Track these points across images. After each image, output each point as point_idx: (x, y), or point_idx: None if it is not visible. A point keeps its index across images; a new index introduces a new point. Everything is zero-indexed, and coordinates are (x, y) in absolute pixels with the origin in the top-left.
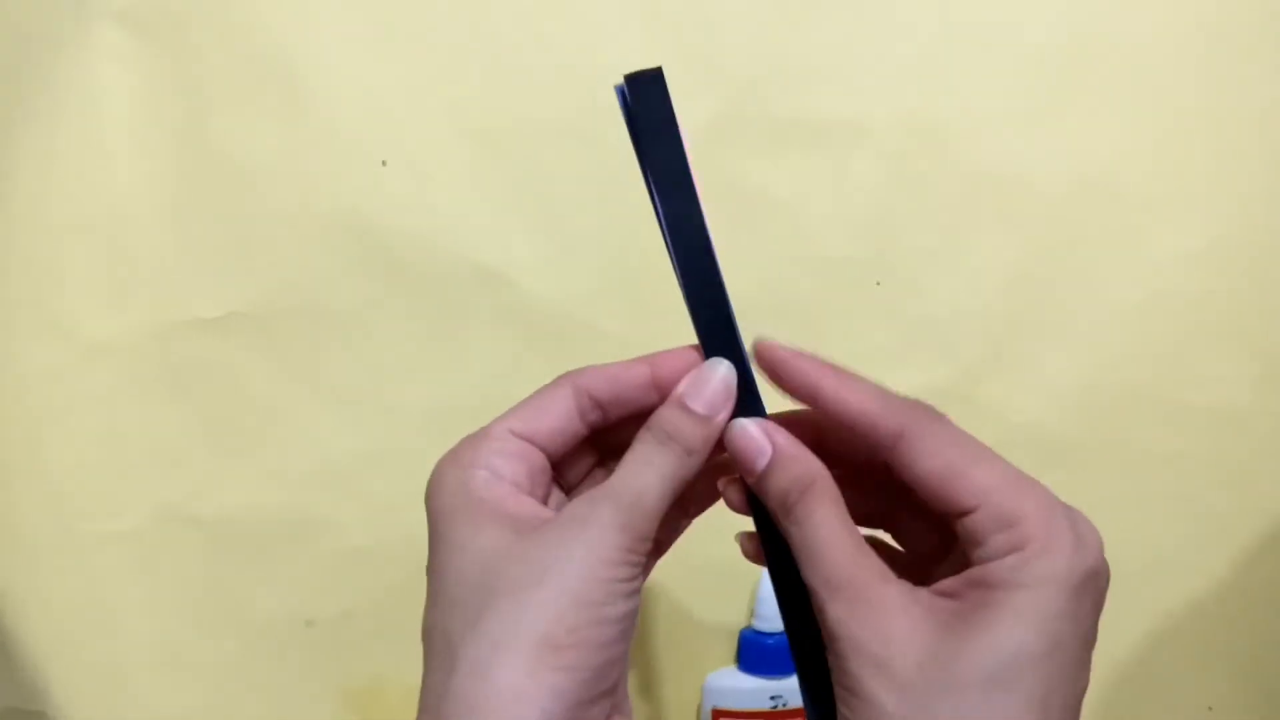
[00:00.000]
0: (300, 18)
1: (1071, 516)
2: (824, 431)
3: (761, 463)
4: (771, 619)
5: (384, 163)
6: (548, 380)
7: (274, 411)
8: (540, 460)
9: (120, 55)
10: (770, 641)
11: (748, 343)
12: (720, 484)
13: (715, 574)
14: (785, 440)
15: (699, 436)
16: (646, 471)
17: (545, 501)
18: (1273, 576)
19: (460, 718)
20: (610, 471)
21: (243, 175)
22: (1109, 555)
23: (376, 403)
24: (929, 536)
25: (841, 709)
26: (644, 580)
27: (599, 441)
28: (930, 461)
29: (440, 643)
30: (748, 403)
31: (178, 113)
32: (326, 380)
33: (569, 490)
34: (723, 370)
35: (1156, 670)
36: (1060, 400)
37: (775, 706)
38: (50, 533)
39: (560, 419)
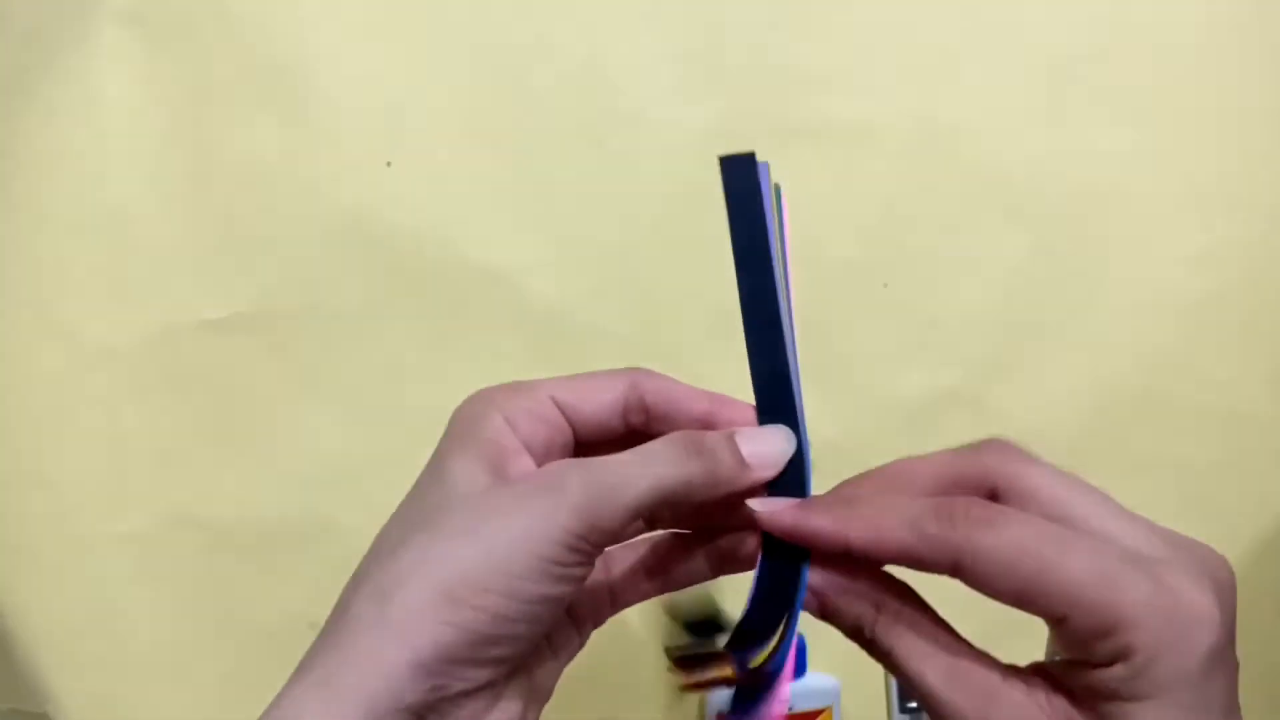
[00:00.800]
0: (304, 19)
1: (1187, 595)
2: None
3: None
4: None
5: (389, 164)
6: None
7: (277, 413)
8: (567, 436)
9: (123, 56)
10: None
11: None
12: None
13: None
14: (831, 578)
15: (727, 470)
16: (647, 464)
17: None
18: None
19: (344, 632)
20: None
21: (246, 176)
22: None
23: (380, 404)
24: None
25: None
26: (587, 570)
27: (628, 445)
28: (1001, 581)
29: (371, 551)
30: (796, 482)
31: (181, 114)
32: (330, 381)
33: None
34: (784, 439)
35: None
36: (1068, 402)
37: None
38: (53, 534)
39: (605, 407)
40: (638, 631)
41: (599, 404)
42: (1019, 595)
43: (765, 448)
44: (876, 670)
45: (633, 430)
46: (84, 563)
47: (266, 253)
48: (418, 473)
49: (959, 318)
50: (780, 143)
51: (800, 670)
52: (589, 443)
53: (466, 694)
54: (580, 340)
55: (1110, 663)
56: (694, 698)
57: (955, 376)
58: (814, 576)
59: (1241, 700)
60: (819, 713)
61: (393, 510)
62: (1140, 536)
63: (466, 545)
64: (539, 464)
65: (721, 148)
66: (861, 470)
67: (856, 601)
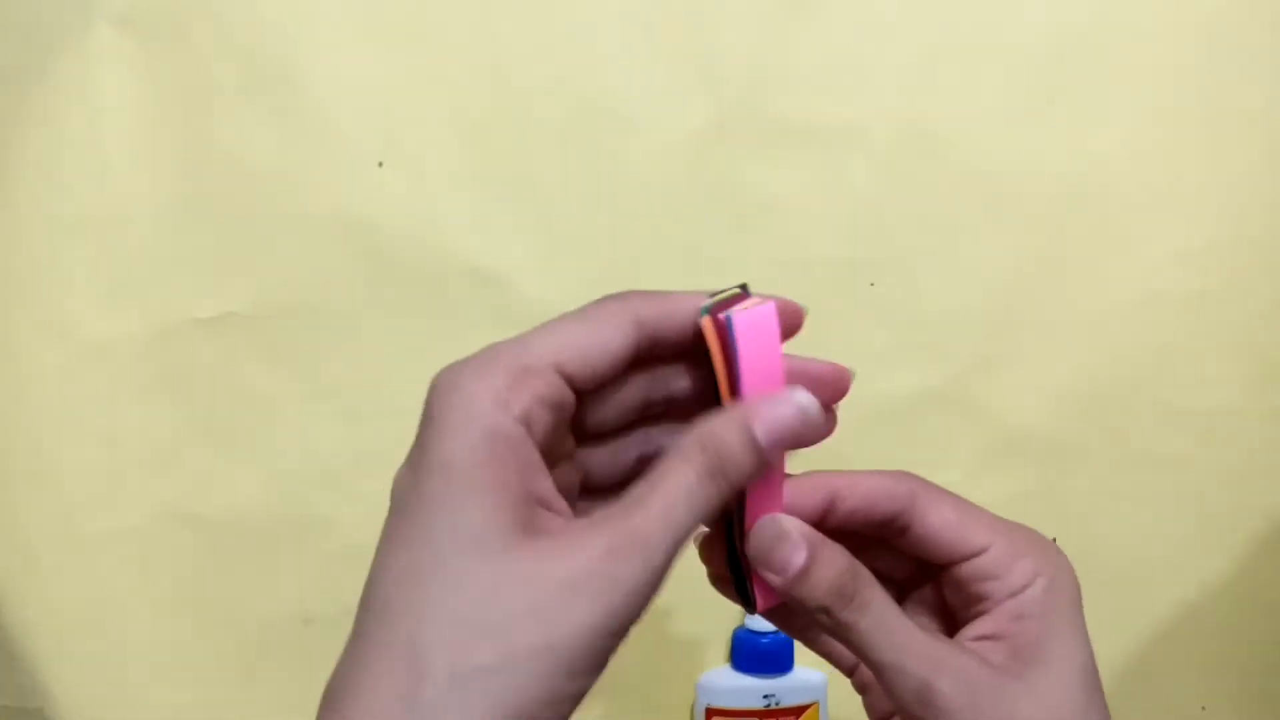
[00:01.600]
0: (298, 20)
1: (1054, 546)
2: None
3: (797, 563)
4: (764, 619)
5: (380, 164)
6: None
7: (272, 411)
8: (571, 402)
9: (120, 58)
10: (764, 641)
11: None
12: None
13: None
14: (817, 536)
15: (751, 472)
16: (682, 513)
17: (555, 464)
18: (1268, 577)
19: None
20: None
21: (241, 176)
22: (1105, 556)
23: (373, 402)
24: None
25: None
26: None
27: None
28: (943, 514)
29: (405, 650)
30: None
31: (176, 115)
32: (324, 380)
33: (582, 435)
34: (806, 403)
35: (1151, 670)
36: (1055, 400)
37: (768, 705)
38: (49, 531)
39: (619, 358)
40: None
41: (610, 363)
42: (955, 529)
43: (782, 429)
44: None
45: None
46: (79, 559)
47: (260, 253)
48: None
49: (945, 316)
50: (768, 142)
51: (787, 665)
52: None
53: None
54: None
55: (1028, 583)
56: (686, 687)
57: (941, 375)
58: (806, 531)
59: (1234, 700)
60: (806, 708)
61: (388, 508)
62: (1018, 525)
63: (538, 656)
64: (548, 458)
65: (716, 149)
66: (847, 467)
67: (840, 560)
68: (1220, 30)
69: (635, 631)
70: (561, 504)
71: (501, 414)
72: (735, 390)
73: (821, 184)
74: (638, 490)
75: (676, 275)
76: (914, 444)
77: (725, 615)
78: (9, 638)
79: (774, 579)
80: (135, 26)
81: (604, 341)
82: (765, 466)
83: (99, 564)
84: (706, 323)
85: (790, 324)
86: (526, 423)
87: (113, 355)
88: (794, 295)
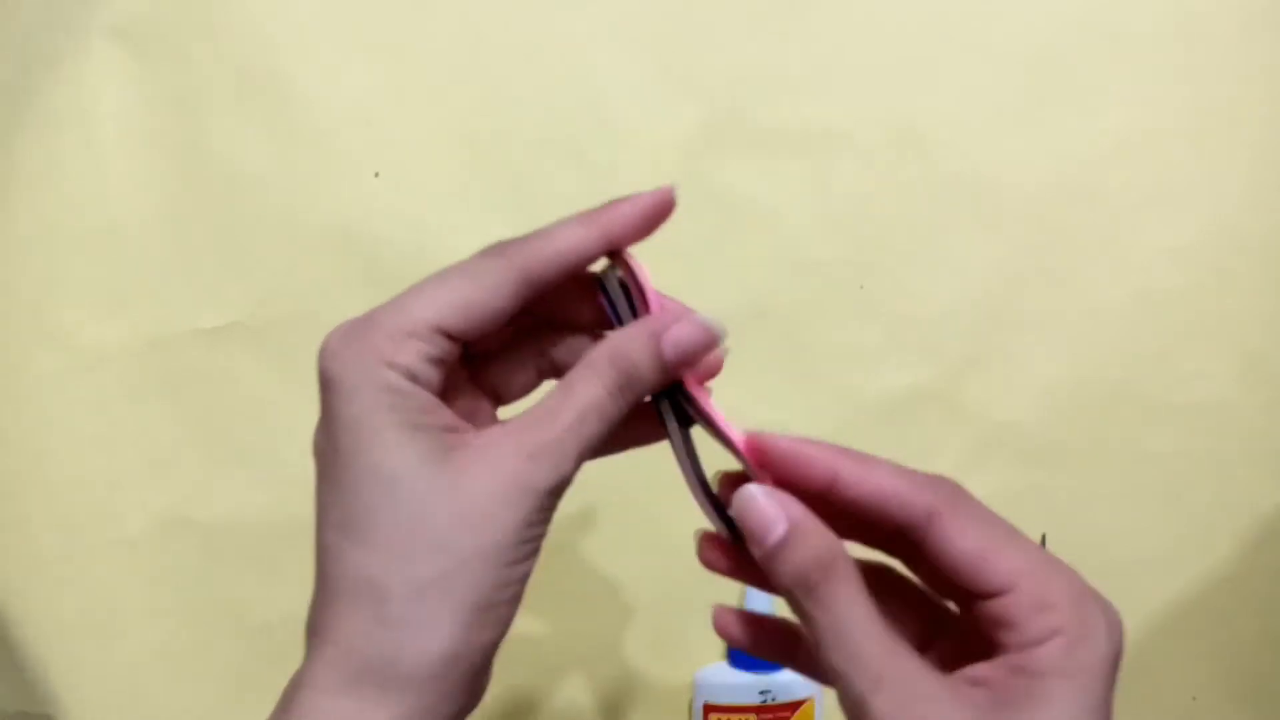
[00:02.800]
0: (293, 32)
1: (1100, 601)
2: (831, 516)
3: (774, 536)
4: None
5: (376, 174)
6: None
7: (271, 419)
8: (458, 354)
9: (116, 70)
10: None
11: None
12: (698, 540)
13: (705, 570)
14: (801, 513)
15: (656, 386)
16: (591, 425)
17: (456, 396)
18: (1256, 570)
19: (392, 672)
20: (532, 348)
21: (238, 187)
22: (1095, 551)
23: None
24: (915, 625)
25: None
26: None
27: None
28: (964, 541)
29: (363, 586)
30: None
31: (173, 126)
32: None
33: (480, 362)
34: (711, 322)
35: (1142, 661)
36: (1043, 399)
37: (765, 701)
38: (52, 539)
39: (500, 312)
40: (629, 634)
41: (494, 317)
42: (975, 561)
43: (689, 345)
44: None
45: (527, 304)
46: (82, 567)
47: (258, 262)
48: None
49: (934, 316)
50: (758, 146)
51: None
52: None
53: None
54: None
55: (1044, 639)
56: (683, 683)
57: (931, 374)
58: (794, 506)
59: (1223, 691)
60: (801, 703)
61: None
62: (1059, 566)
63: (474, 551)
64: (446, 403)
65: (704, 154)
66: None
67: (823, 536)
68: (1206, 30)
69: (633, 628)
70: (470, 428)
71: (387, 371)
72: (638, 314)
73: (810, 187)
74: (551, 401)
75: (667, 279)
76: (903, 443)
77: None
78: (16, 644)
79: (755, 550)
80: (131, 39)
81: (485, 300)
82: (671, 380)
83: (101, 571)
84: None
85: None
86: (412, 377)
87: (112, 364)
88: (784, 296)
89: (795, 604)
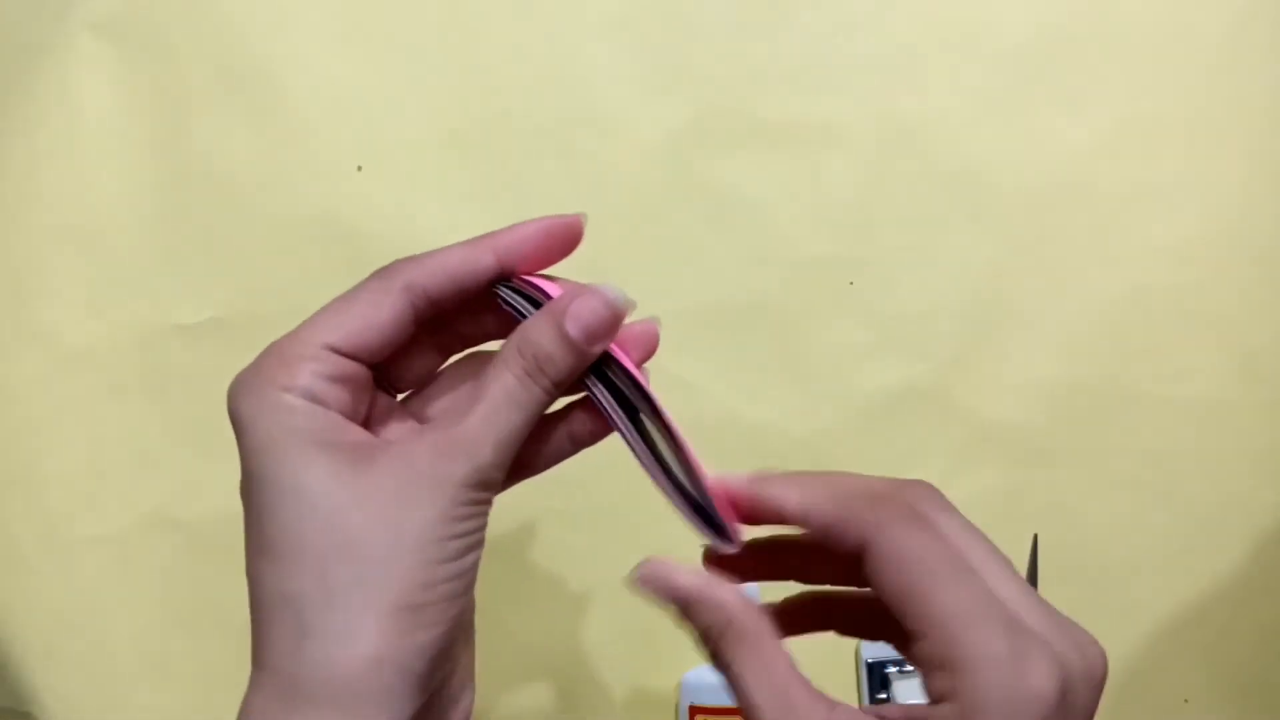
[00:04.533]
0: (276, 26)
1: (1027, 665)
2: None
3: (675, 606)
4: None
5: (359, 168)
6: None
7: None
8: (364, 375)
9: (99, 64)
10: None
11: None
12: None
13: None
14: (691, 582)
15: (569, 368)
16: (505, 414)
17: (370, 417)
18: (1250, 570)
19: (321, 684)
20: (444, 361)
21: (221, 182)
22: (1087, 550)
23: None
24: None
25: None
26: (489, 513)
27: (428, 327)
28: (889, 576)
29: (281, 603)
30: (706, 519)
31: (156, 121)
32: None
33: (398, 387)
34: (602, 301)
35: (1134, 663)
36: (1036, 396)
37: None
38: (35, 537)
39: (390, 329)
40: (615, 636)
41: (383, 329)
42: (898, 597)
43: (590, 316)
44: (846, 665)
45: (426, 321)
46: (65, 565)
47: (241, 258)
48: None
49: (925, 313)
50: (747, 142)
51: None
52: (389, 360)
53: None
54: None
55: (938, 699)
56: (670, 685)
57: (922, 371)
58: (687, 577)
59: (1216, 693)
60: None
61: None
62: (1025, 605)
63: (393, 554)
64: (354, 420)
65: (694, 148)
66: (827, 464)
67: (714, 609)
68: (1200, 25)
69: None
70: (383, 440)
71: (284, 395)
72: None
73: (800, 183)
74: (464, 401)
75: (656, 276)
76: (894, 440)
77: None
78: None
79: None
80: (114, 33)
81: (369, 316)
82: (586, 358)
83: (84, 569)
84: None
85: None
86: (311, 397)
87: (95, 361)
88: (774, 293)
89: (706, 648)
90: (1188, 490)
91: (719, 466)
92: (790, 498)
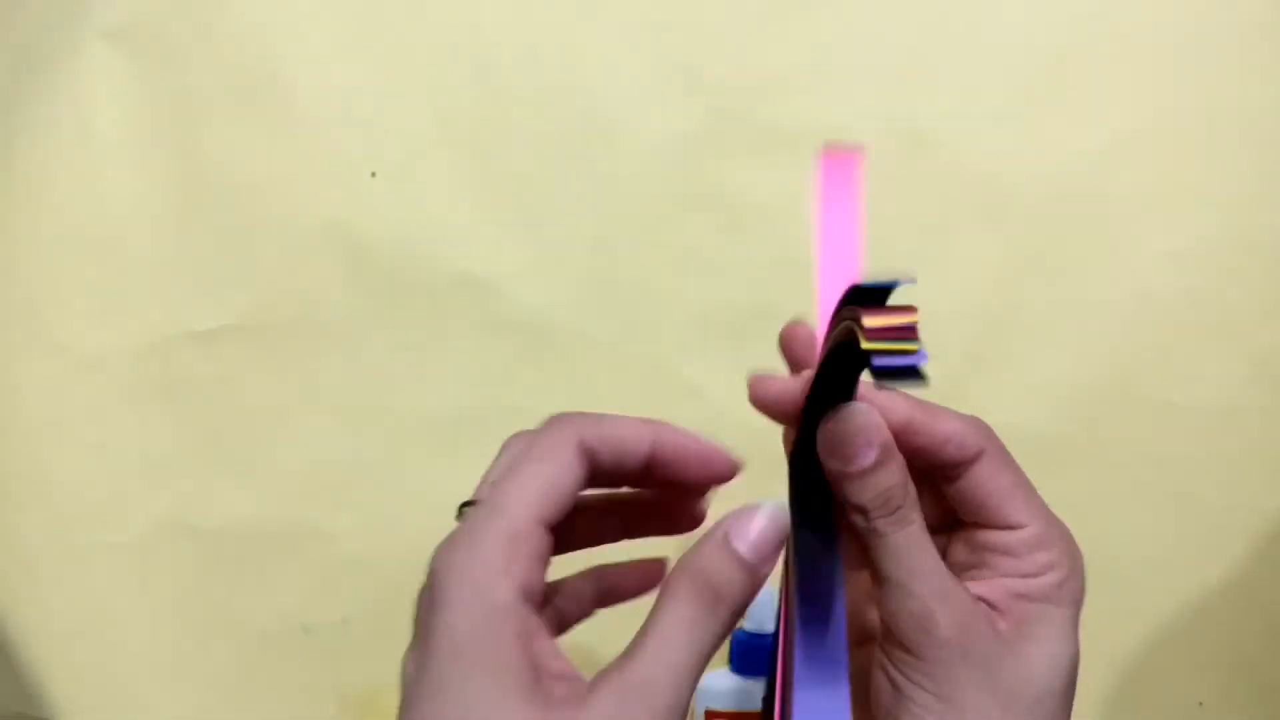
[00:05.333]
0: (288, 33)
1: (1077, 549)
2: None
3: (863, 462)
4: (762, 621)
5: (373, 174)
6: (535, 386)
7: (268, 422)
8: (552, 548)
9: (111, 72)
10: (762, 643)
11: None
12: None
13: None
14: (890, 443)
15: (744, 597)
16: (679, 667)
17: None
18: (1263, 573)
19: None
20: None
21: (234, 189)
22: (1099, 554)
23: (368, 411)
24: None
25: (910, 690)
26: None
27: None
28: (999, 480)
29: None
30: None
31: (169, 129)
32: (319, 390)
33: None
34: (767, 517)
35: (1148, 666)
36: (1046, 400)
37: None
38: (49, 544)
39: (573, 497)
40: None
41: (569, 502)
42: (1003, 497)
43: (760, 539)
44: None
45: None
46: (79, 571)
47: (254, 264)
48: (404, 478)
49: (936, 317)
50: (758, 146)
51: None
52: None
53: None
54: (566, 346)
55: (1044, 572)
56: None
57: (934, 375)
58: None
59: (1230, 696)
60: None
61: (384, 516)
62: (1055, 518)
63: None
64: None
65: (706, 153)
66: None
67: (902, 469)
68: (1210, 28)
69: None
70: (565, 664)
71: (501, 591)
72: None
73: (810, 186)
74: (636, 638)
75: (666, 279)
76: None
77: None
78: (11, 648)
79: (834, 464)
80: (126, 41)
81: (562, 482)
82: (760, 579)
83: (98, 575)
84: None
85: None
86: (526, 593)
87: (109, 368)
88: (782, 298)
89: (865, 520)
90: (1198, 492)
91: None
92: (917, 410)
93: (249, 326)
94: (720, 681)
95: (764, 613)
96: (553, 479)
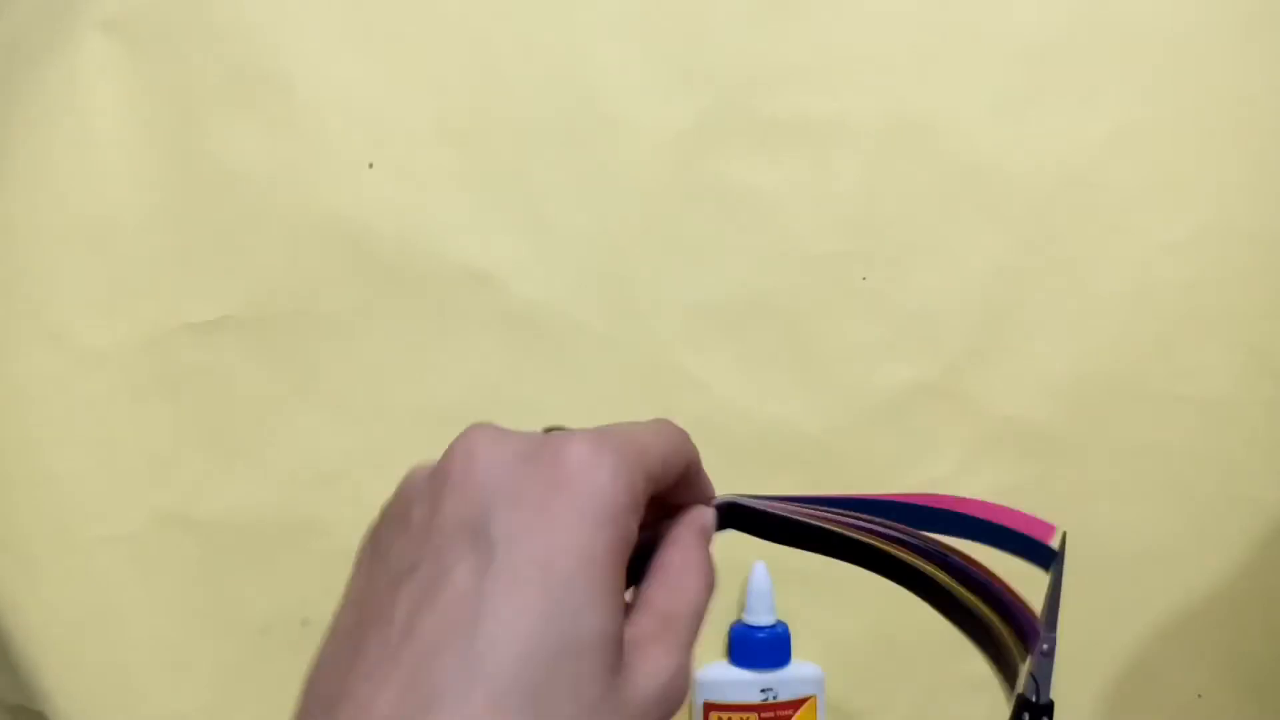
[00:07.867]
0: (285, 24)
1: None
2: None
3: None
4: (761, 612)
5: (370, 165)
6: (535, 378)
7: (267, 414)
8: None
9: (107, 63)
10: (761, 635)
11: None
12: None
13: None
14: None
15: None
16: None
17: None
18: (1261, 566)
19: None
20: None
21: (232, 180)
22: (1099, 546)
23: (368, 404)
24: None
25: None
26: None
27: None
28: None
29: None
30: None
31: (167, 120)
32: (318, 382)
33: None
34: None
35: (1147, 658)
36: (1047, 392)
37: (766, 699)
38: (49, 537)
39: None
40: None
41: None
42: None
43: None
44: (860, 658)
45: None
46: (78, 565)
47: (252, 256)
48: (403, 470)
49: (937, 309)
50: (757, 139)
51: (784, 659)
52: None
53: None
54: (567, 339)
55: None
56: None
57: (934, 368)
58: None
59: (1229, 687)
60: (803, 701)
61: (380, 509)
62: None
63: None
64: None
65: (705, 146)
66: (839, 461)
67: None
68: (1210, 21)
69: None
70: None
71: (632, 519)
72: None
73: (811, 179)
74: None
75: (667, 274)
76: (906, 437)
77: (722, 610)
78: (10, 641)
79: None
80: (124, 32)
81: (671, 454)
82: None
83: (98, 569)
84: None
85: None
86: (629, 537)
87: (107, 361)
88: (785, 290)
89: None
90: (1198, 485)
91: (731, 464)
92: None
93: (248, 319)
94: (719, 674)
95: (761, 604)
96: (667, 447)
